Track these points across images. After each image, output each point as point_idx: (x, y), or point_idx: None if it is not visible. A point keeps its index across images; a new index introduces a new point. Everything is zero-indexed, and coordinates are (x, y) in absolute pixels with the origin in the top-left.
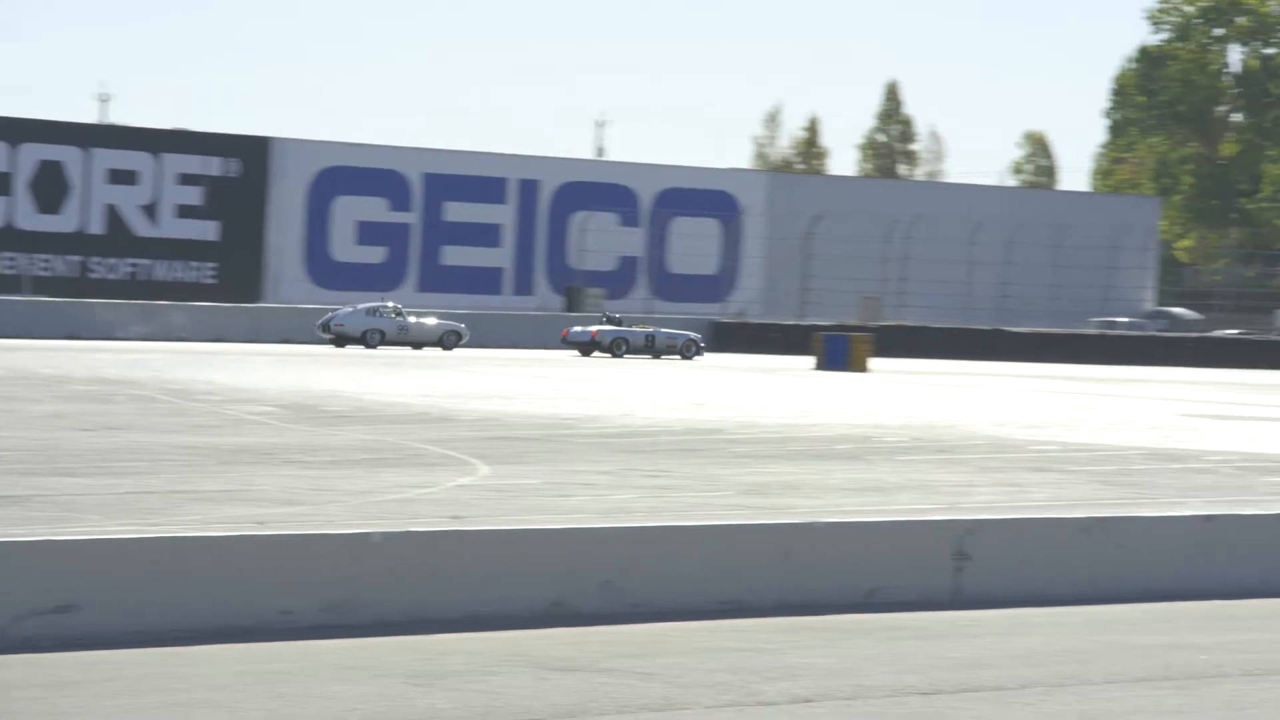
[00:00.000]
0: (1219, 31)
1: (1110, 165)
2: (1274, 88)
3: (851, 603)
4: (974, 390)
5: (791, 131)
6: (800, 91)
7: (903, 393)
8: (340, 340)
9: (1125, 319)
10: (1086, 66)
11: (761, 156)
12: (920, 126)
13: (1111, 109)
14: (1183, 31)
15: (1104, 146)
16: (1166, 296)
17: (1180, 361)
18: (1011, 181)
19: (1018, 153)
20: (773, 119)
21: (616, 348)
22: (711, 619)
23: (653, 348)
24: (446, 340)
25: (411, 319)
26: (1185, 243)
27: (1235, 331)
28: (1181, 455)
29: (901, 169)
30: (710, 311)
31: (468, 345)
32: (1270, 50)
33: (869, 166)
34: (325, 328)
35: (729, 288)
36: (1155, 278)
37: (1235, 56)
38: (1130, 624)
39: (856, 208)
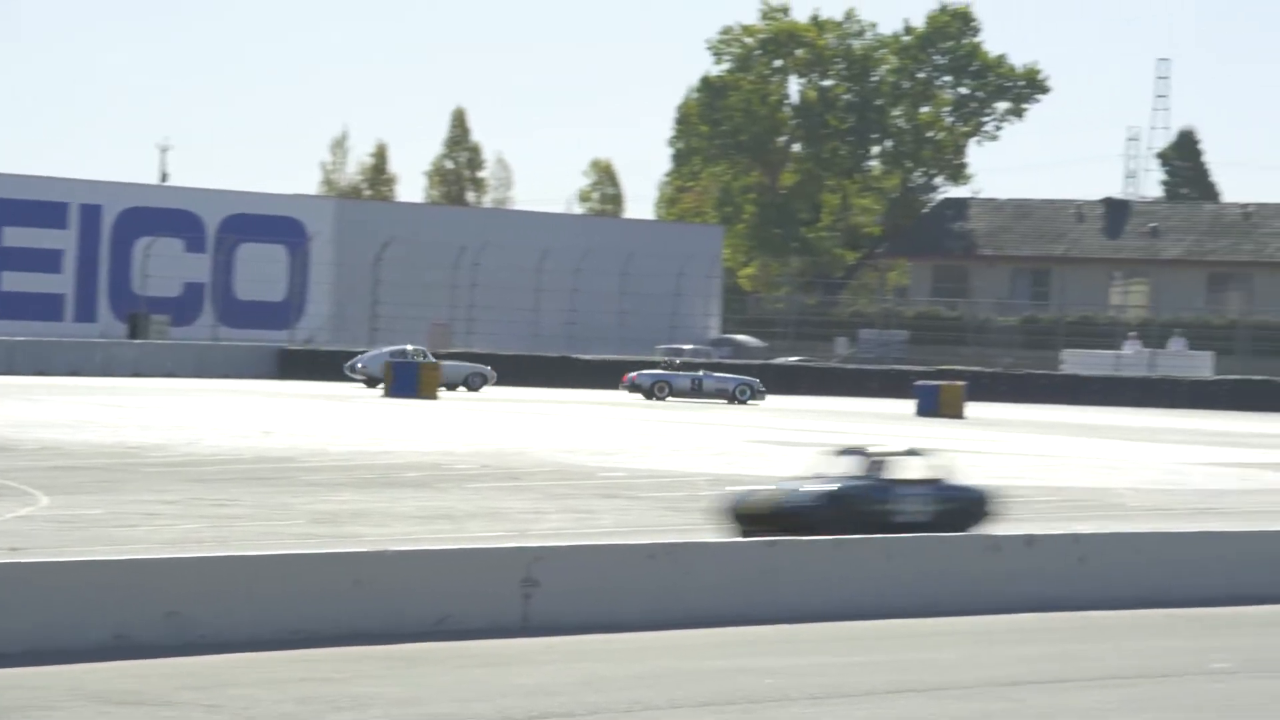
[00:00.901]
0: (778, 63)
1: (675, 194)
2: (832, 119)
3: (421, 631)
4: (543, 417)
5: (359, 158)
6: (367, 118)
7: (472, 420)
8: (372, 381)
9: (690, 346)
10: (651, 96)
11: (329, 183)
12: (488, 154)
13: (675, 138)
14: (743, 62)
15: (669, 175)
16: (730, 324)
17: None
18: (578, 209)
19: (584, 181)
20: (340, 145)
21: (658, 391)
22: (280, 649)
23: (699, 391)
24: (471, 381)
25: (449, 363)
26: (748, 271)
27: (797, 358)
28: (746, 481)
29: (469, 196)
30: (278, 339)
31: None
32: (828, 82)
33: (437, 193)
34: (353, 369)
35: (297, 314)
36: (719, 305)
37: (795, 88)
38: (697, 649)
39: (425, 234)
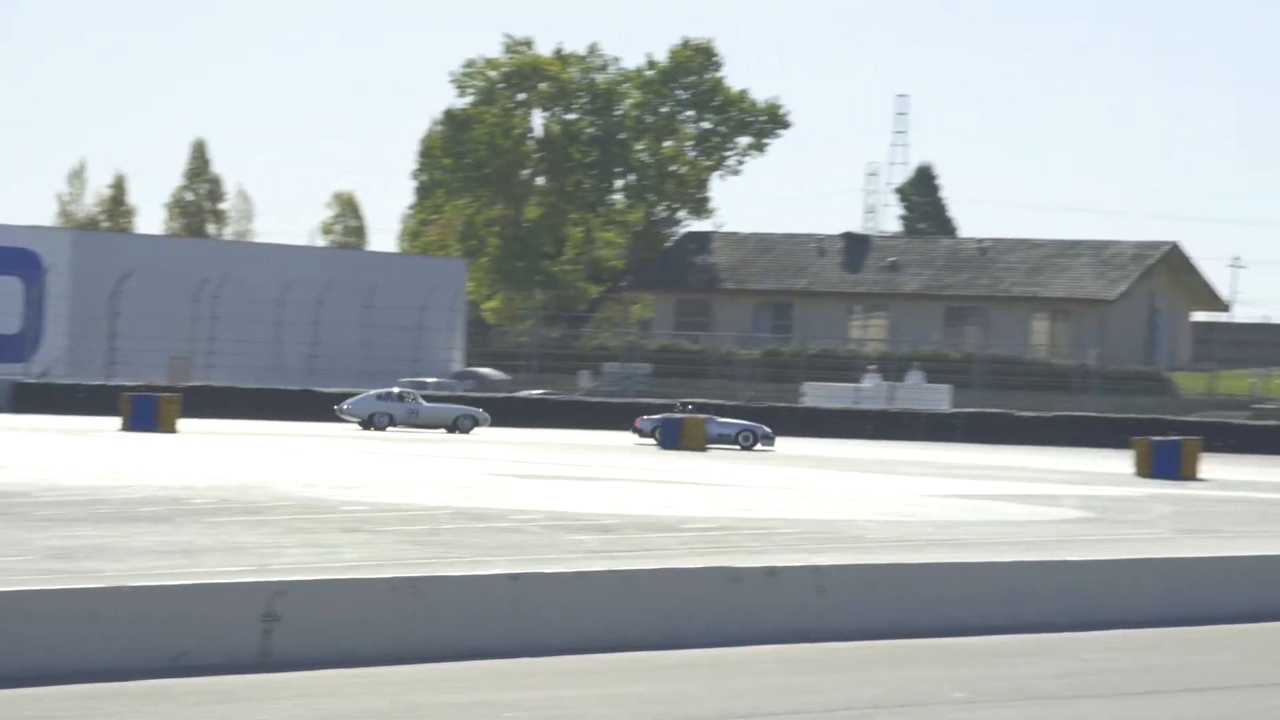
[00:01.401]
0: (522, 96)
1: (419, 227)
2: (575, 153)
3: (158, 667)
4: (285, 451)
5: (97, 189)
6: (106, 149)
7: (212, 454)
8: (365, 423)
9: (434, 379)
10: (395, 128)
11: (66, 214)
12: (229, 185)
13: (419, 171)
14: (487, 95)
15: (412, 208)
16: (474, 357)
17: (490, 421)
18: (321, 242)
19: (327, 213)
20: (77, 176)
21: (657, 434)
22: (13, 687)
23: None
24: (461, 424)
25: (426, 404)
26: (492, 304)
27: (541, 391)
28: (489, 514)
29: (210, 228)
30: (13, 372)
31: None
32: (571, 116)
33: (177, 225)
34: (342, 412)
35: (33, 347)
36: (463, 338)
37: (538, 121)
38: (436, 683)
39: (165, 267)
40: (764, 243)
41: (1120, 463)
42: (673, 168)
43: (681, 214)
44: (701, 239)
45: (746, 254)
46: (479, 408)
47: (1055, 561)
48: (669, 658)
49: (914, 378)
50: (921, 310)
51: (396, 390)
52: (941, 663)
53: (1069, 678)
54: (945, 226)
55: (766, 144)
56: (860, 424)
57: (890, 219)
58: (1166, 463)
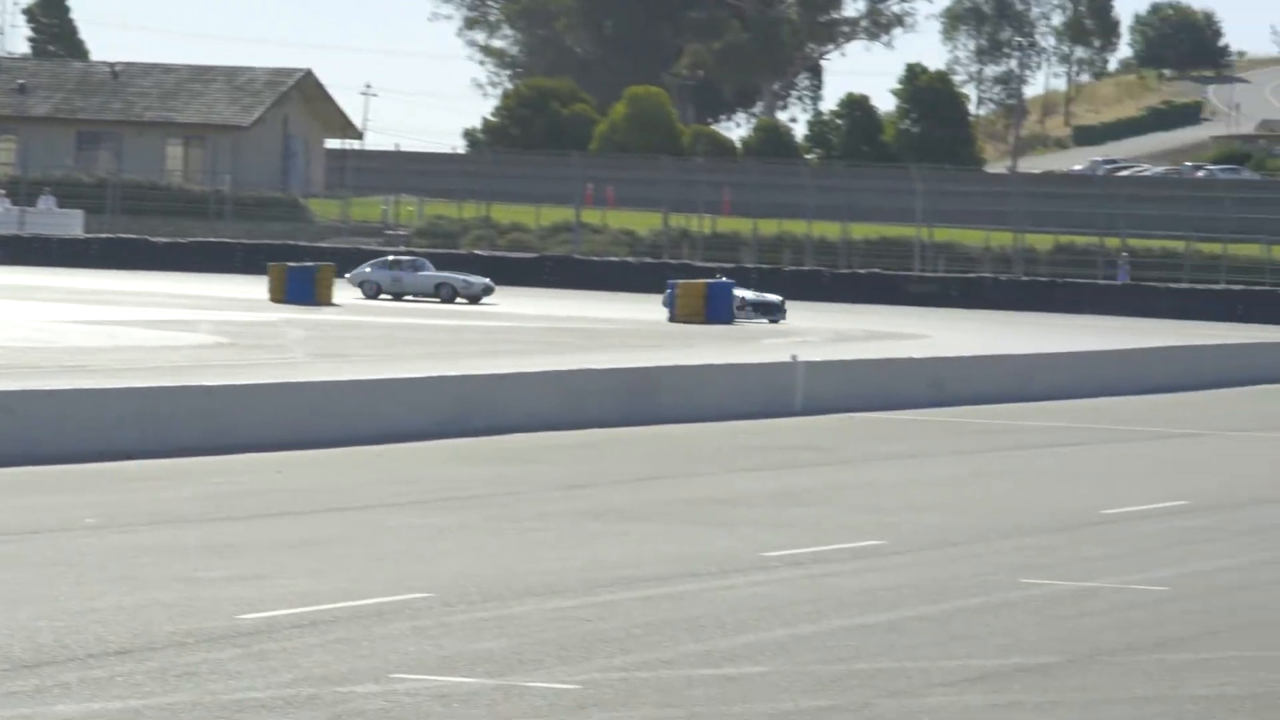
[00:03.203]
0: None
1: None
2: None
3: None
4: None
5: None
6: None
7: None
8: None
9: None
10: None
11: None
12: None
13: None
14: None
15: None
16: None
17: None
18: None
19: None
20: None
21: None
22: None
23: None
24: (442, 292)
25: (423, 273)
26: None
27: None
28: None
29: None
30: None
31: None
32: None
33: None
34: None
35: None
36: None
37: None
38: None
39: None
40: None
41: (255, 288)
42: None
43: None
44: None
45: None
46: (482, 276)
47: (188, 386)
48: None
49: (45, 202)
50: (52, 134)
51: (391, 258)
52: (75, 489)
53: (203, 500)
54: (76, 50)
55: None
56: None
57: (18, 40)
58: (301, 288)
